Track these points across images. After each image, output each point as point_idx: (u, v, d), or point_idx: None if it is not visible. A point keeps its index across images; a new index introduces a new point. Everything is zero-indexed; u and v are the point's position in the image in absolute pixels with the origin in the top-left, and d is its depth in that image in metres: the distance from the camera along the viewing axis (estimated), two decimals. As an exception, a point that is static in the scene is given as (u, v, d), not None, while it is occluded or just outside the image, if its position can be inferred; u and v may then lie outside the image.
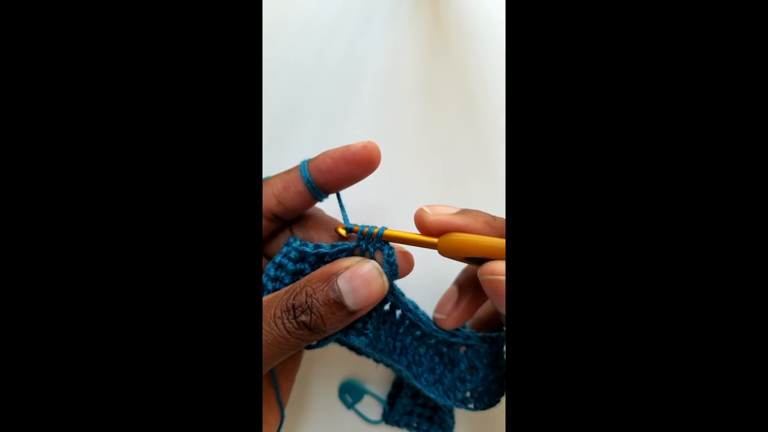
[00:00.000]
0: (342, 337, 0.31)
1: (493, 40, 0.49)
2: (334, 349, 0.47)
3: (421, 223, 0.30)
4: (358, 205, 0.45)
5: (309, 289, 0.29)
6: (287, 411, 0.46)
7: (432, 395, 0.35)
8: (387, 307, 0.34)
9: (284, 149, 0.47)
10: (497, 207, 0.33)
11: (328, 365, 0.47)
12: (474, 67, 0.49)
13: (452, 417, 0.45)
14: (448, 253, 0.30)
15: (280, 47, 0.48)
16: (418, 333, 0.35)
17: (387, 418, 0.46)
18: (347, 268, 0.30)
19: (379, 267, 0.30)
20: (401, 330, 0.35)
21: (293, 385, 0.43)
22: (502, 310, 0.29)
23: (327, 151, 0.32)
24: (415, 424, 0.46)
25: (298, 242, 0.33)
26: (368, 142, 0.32)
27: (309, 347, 0.32)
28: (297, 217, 0.36)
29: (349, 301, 0.29)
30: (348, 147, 0.31)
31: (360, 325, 0.31)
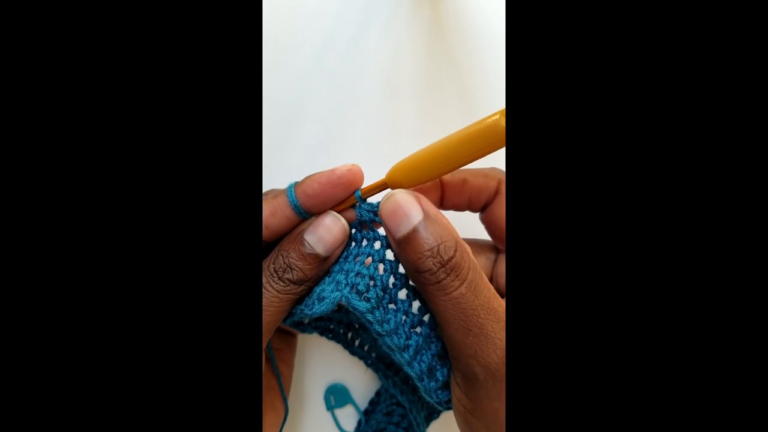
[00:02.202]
0: (344, 302, 0.32)
1: (493, 41, 0.49)
2: (328, 352, 0.47)
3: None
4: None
5: (284, 251, 0.33)
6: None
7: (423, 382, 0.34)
8: (403, 296, 0.34)
9: (284, 149, 0.47)
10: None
11: (322, 365, 0.47)
12: (474, 67, 0.49)
13: (438, 409, 0.45)
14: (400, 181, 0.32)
15: (280, 48, 0.48)
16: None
17: (358, 430, 0.47)
18: (310, 224, 0.34)
19: (336, 213, 0.34)
20: (415, 322, 0.34)
21: (292, 373, 0.44)
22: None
23: (312, 176, 0.34)
24: None
25: None
26: (353, 165, 0.34)
27: (311, 313, 0.33)
28: None
29: (320, 248, 0.33)
30: (333, 171, 0.33)
31: (363, 288, 0.32)
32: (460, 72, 0.49)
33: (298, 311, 0.34)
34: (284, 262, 0.33)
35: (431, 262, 0.29)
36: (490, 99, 0.48)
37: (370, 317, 0.32)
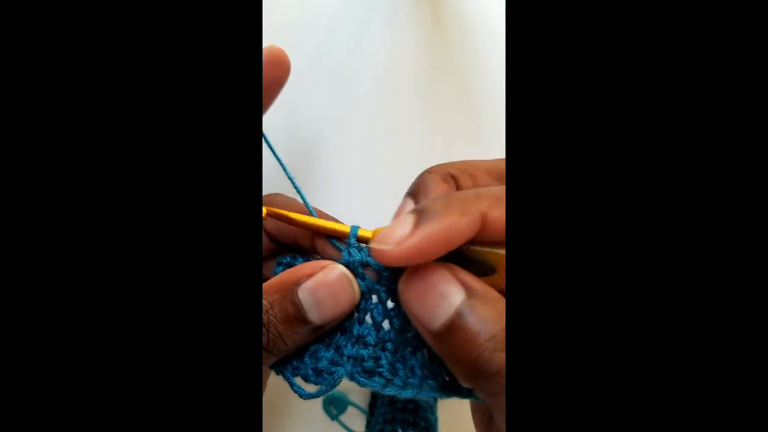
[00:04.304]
0: (348, 378, 0.27)
1: (493, 40, 0.49)
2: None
3: (389, 264, 0.23)
4: (358, 205, 0.45)
5: (265, 302, 0.25)
6: (272, 423, 0.46)
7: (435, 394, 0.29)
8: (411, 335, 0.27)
9: (284, 149, 0.47)
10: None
11: None
12: (474, 67, 0.49)
13: (434, 413, 0.45)
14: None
15: (280, 47, 0.48)
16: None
17: (370, 428, 0.47)
18: (310, 275, 0.25)
19: (348, 272, 0.26)
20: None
21: (266, 390, 0.40)
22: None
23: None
24: (399, 431, 0.46)
25: (288, 258, 0.29)
26: (269, 46, 0.28)
27: (311, 396, 0.27)
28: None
29: (313, 315, 0.25)
30: None
31: (372, 364, 0.26)
32: (460, 71, 0.49)
33: (293, 384, 0.28)
34: (262, 318, 0.24)
35: (498, 358, 0.21)
36: (490, 98, 0.48)
37: (391, 391, 0.26)
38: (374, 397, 0.47)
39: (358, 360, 0.26)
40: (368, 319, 0.27)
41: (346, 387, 0.47)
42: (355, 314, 0.27)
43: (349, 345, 0.26)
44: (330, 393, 0.44)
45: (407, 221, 0.22)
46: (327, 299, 0.25)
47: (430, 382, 0.26)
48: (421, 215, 0.22)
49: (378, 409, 0.45)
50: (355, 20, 0.49)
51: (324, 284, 0.25)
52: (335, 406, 0.47)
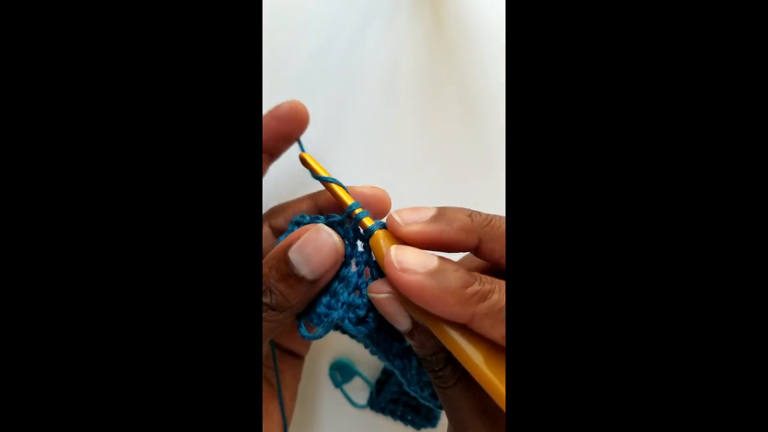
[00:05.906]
0: (339, 323, 0.29)
1: (493, 40, 0.49)
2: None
3: (396, 236, 0.29)
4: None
5: (265, 268, 0.29)
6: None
7: (417, 396, 0.32)
8: None
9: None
10: (497, 207, 0.32)
11: (324, 341, 0.46)
12: (474, 67, 0.49)
13: (441, 407, 0.45)
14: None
15: (280, 47, 0.48)
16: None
17: (372, 403, 0.45)
18: (297, 238, 0.29)
19: (329, 229, 0.29)
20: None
21: (296, 397, 0.41)
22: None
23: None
24: (399, 413, 0.45)
25: (307, 218, 0.32)
26: (294, 100, 0.33)
27: (311, 337, 0.31)
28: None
29: (305, 271, 0.28)
30: (277, 106, 0.33)
31: (363, 311, 0.29)
32: (460, 72, 0.49)
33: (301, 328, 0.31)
34: (264, 282, 0.28)
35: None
36: (490, 98, 0.48)
37: (368, 343, 0.29)
38: (386, 373, 0.46)
39: (352, 307, 0.29)
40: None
41: (356, 356, 0.47)
42: (356, 266, 0.31)
43: (345, 293, 0.29)
44: (338, 359, 0.43)
45: (427, 213, 0.28)
46: (313, 254, 0.28)
47: (398, 362, 0.30)
48: (438, 216, 0.28)
49: (389, 386, 0.44)
50: (355, 20, 0.49)
51: (308, 241, 0.29)
52: (341, 374, 0.46)
